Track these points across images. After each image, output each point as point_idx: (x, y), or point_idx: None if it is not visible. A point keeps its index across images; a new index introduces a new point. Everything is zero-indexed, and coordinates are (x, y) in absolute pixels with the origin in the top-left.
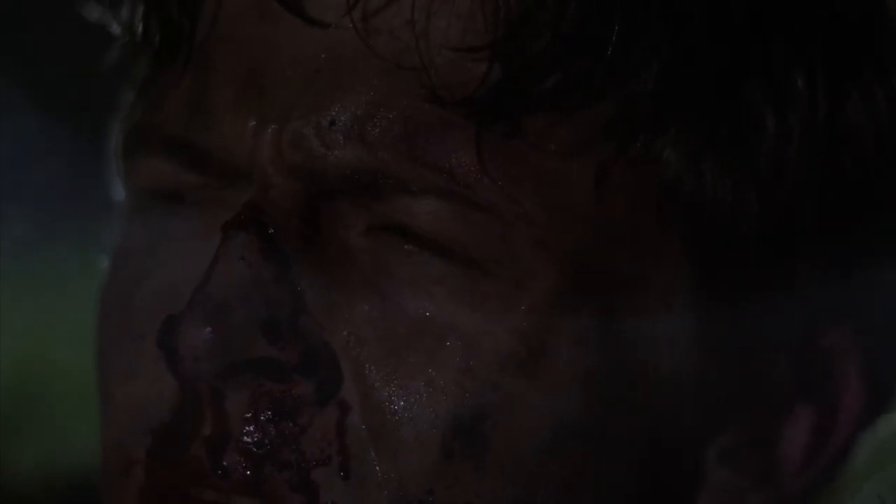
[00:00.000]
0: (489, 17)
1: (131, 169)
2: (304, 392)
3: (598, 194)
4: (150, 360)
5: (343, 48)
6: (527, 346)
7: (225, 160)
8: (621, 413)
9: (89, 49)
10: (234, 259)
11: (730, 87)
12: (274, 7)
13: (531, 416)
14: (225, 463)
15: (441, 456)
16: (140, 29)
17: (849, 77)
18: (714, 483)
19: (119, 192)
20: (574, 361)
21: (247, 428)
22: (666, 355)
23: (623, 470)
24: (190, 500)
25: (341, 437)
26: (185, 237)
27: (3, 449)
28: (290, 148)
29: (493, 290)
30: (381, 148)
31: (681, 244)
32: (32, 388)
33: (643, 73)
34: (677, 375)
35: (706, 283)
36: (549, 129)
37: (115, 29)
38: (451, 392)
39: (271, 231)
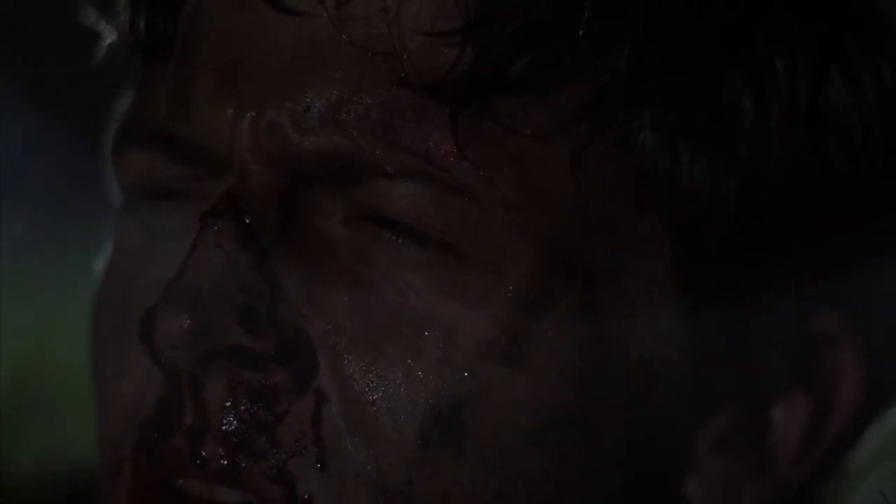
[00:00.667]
0: (460, 0)
1: (120, 166)
2: (280, 381)
3: (574, 179)
4: (137, 356)
5: (317, 36)
6: (506, 334)
7: (203, 149)
8: (606, 402)
9: (88, 48)
10: (210, 247)
11: (706, 70)
12: None
13: (511, 404)
14: (204, 453)
15: (420, 446)
16: (128, 28)
17: (832, 62)
18: (708, 473)
19: (115, 192)
20: (555, 349)
21: (225, 417)
22: (651, 344)
23: (610, 459)
24: (175, 492)
25: (316, 429)
26: (175, 234)
27: (3, 446)
28: (266, 135)
29: (472, 277)
30: (357, 132)
31: (661, 231)
32: (32, 386)
33: (615, 55)
34: (664, 363)
35: (690, 270)
36: (524, 112)
37: (109, 32)
38: (430, 382)
39: (248, 220)
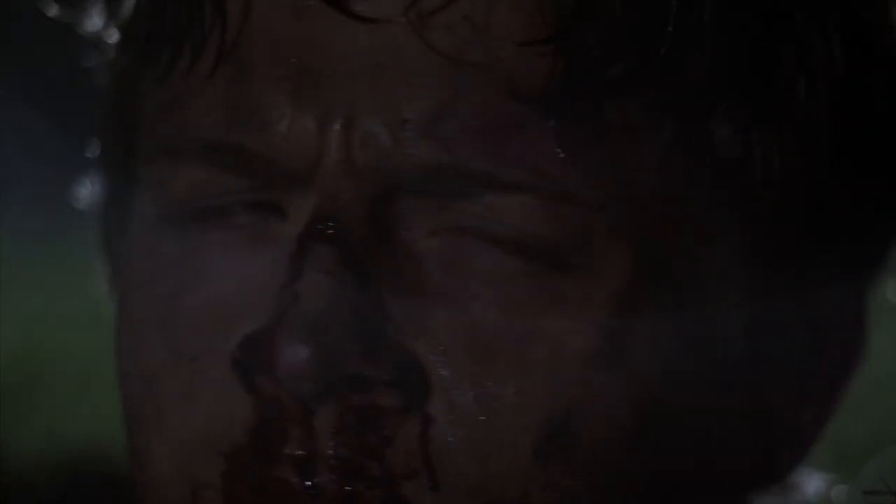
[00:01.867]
0: (549, 9)
1: (152, 179)
2: (389, 403)
3: (661, 180)
4: (209, 382)
5: (400, 42)
6: (608, 340)
7: (280, 161)
8: (695, 394)
9: (84, 46)
10: (320, 273)
11: (768, 56)
12: (308, 4)
13: (615, 407)
14: (315, 480)
15: (533, 458)
16: (142, 34)
17: (858, 36)
18: (754, 445)
19: (103, 187)
20: (651, 349)
21: (334, 443)
22: (723, 331)
23: (702, 451)
24: None
25: (425, 449)
26: (226, 249)
27: (4, 431)
28: (360, 147)
29: (574, 284)
30: (460, 146)
31: (736, 225)
32: (33, 373)
33: (698, 51)
34: (732, 349)
35: (758, 255)
36: (616, 115)
37: (84, 27)
38: (541, 395)
39: (349, 241)
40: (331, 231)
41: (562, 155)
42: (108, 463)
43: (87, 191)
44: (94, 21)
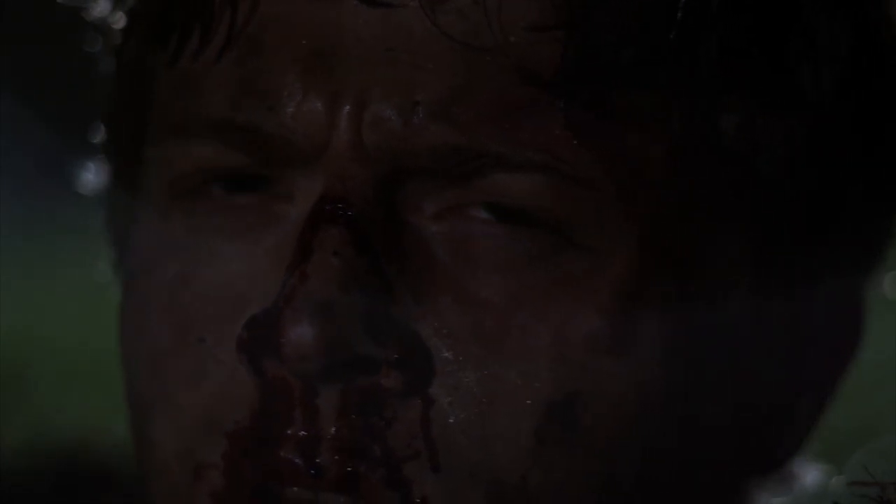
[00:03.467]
0: None
1: (158, 159)
2: (392, 384)
3: (671, 166)
4: (216, 363)
5: (410, 26)
6: (613, 325)
7: (290, 141)
8: (699, 381)
9: (78, 30)
10: (328, 254)
11: (777, 47)
12: None
13: (618, 392)
14: (318, 461)
15: (535, 442)
16: (152, 15)
17: (861, 23)
18: (754, 432)
19: (97, 177)
20: (655, 335)
21: (337, 424)
22: (731, 317)
23: (703, 434)
24: (276, 498)
25: (427, 431)
26: (233, 231)
27: None
28: (371, 130)
29: (580, 269)
30: (472, 128)
31: (742, 213)
32: (21, 365)
33: (708, 39)
34: (738, 337)
35: (766, 248)
36: (627, 102)
37: (91, 13)
38: (544, 380)
39: (359, 223)
40: (340, 212)
41: (575, 140)
42: (96, 456)
43: (83, 179)
44: (102, 6)
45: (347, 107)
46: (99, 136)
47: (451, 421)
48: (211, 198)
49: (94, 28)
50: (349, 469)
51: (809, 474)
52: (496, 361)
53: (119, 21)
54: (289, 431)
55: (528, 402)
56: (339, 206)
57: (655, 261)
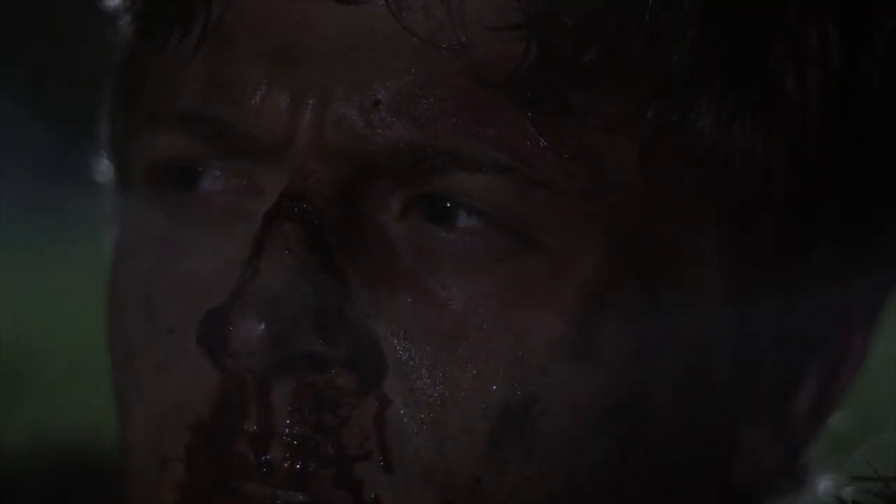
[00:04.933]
0: None
1: (137, 149)
2: (346, 383)
3: (641, 169)
4: (183, 355)
5: (375, 25)
6: (575, 329)
7: (253, 135)
8: (662, 385)
9: (79, 24)
10: (281, 250)
11: (755, 49)
12: None
13: (580, 396)
14: (268, 458)
15: (489, 445)
16: (152, 11)
17: (856, 29)
18: (738, 442)
19: (105, 171)
20: (619, 339)
21: (289, 421)
22: (700, 323)
23: (664, 440)
24: (234, 493)
25: (380, 431)
26: (205, 223)
27: None
28: (332, 129)
29: (544, 271)
30: (434, 126)
31: (716, 213)
32: (21, 363)
33: (678, 41)
34: (712, 344)
35: (741, 253)
36: (593, 104)
37: (110, 5)
38: (501, 383)
39: (316, 221)
40: (297, 209)
41: (540, 142)
42: (97, 454)
43: (86, 178)
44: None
45: (310, 104)
46: (100, 132)
47: (405, 421)
48: (184, 190)
49: (102, 19)
50: (299, 466)
51: (812, 471)
52: (453, 363)
53: (119, 15)
54: (244, 426)
55: (484, 404)
56: (298, 202)
57: (621, 264)
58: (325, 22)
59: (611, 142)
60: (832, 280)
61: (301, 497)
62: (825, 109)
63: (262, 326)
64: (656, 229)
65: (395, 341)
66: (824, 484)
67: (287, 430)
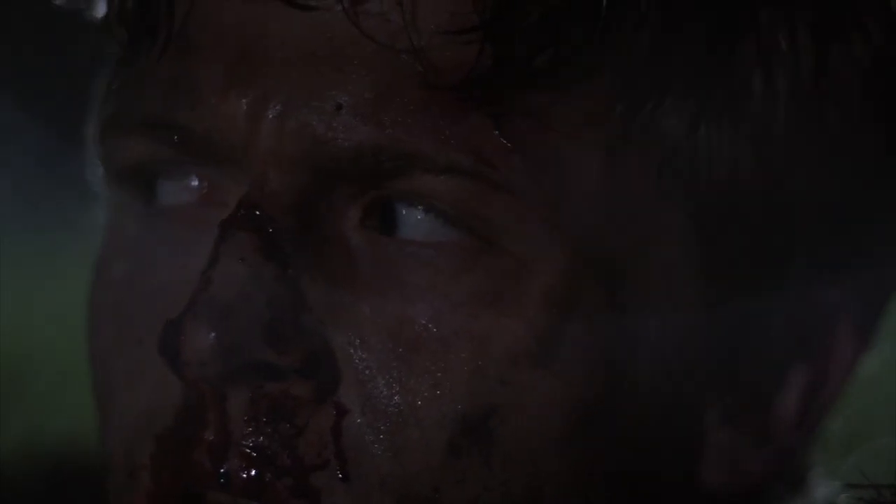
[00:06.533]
0: None
1: (109, 154)
2: (302, 392)
3: (605, 174)
4: (151, 365)
5: (333, 31)
6: (538, 338)
7: (210, 140)
8: (627, 393)
9: (67, 29)
10: (234, 260)
11: (720, 51)
12: None
13: (540, 407)
14: (225, 468)
15: (447, 454)
16: (115, 16)
17: (829, 32)
18: (716, 447)
19: (97, 176)
20: (582, 348)
21: (246, 431)
22: (670, 332)
23: (630, 448)
24: (197, 501)
25: (337, 440)
26: (171, 232)
27: None
28: (292, 138)
29: (508, 277)
30: (397, 128)
31: (681, 217)
32: (14, 367)
33: (636, 44)
34: (680, 350)
35: (709, 256)
36: (555, 108)
37: (89, 15)
38: (459, 393)
39: (270, 230)
40: (252, 218)
41: (504, 145)
42: (92, 458)
43: (83, 178)
44: (100, 7)
45: (270, 113)
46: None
47: (362, 431)
48: (152, 198)
49: (91, 27)
50: (255, 476)
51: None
52: (410, 373)
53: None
54: (204, 435)
55: (441, 414)
56: (254, 211)
57: (585, 270)
58: (283, 29)
59: (575, 146)
60: (811, 285)
61: None
62: (795, 112)
63: (213, 335)
64: (621, 235)
65: (352, 350)
66: (818, 491)
67: (244, 440)
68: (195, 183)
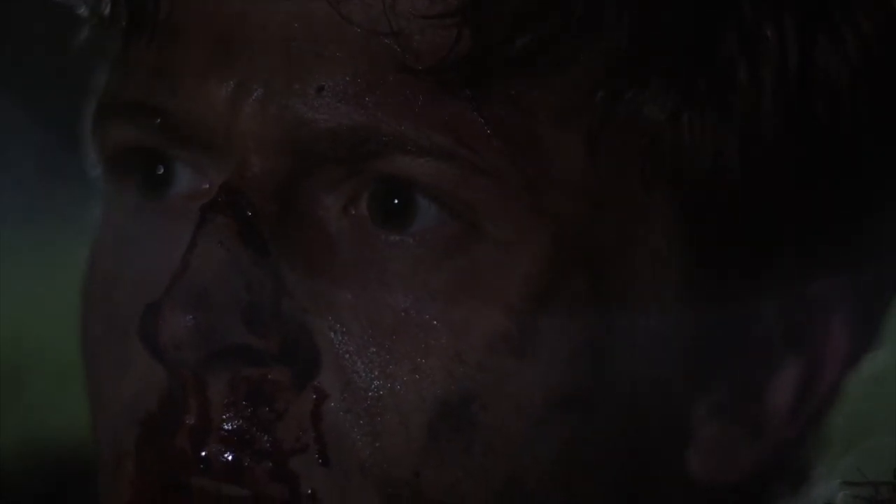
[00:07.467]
0: None
1: (101, 139)
2: (281, 377)
3: (588, 161)
4: (137, 354)
5: (314, 14)
6: (518, 324)
7: (192, 124)
8: (610, 380)
9: (66, 26)
10: (213, 243)
11: (703, 39)
12: None
13: (520, 393)
14: (206, 453)
15: (427, 439)
16: (107, 8)
17: (818, 24)
18: (705, 439)
19: (96, 174)
20: (563, 335)
21: (226, 415)
22: (653, 318)
23: (614, 436)
24: (181, 487)
25: (317, 425)
26: (160, 222)
27: None
28: (273, 122)
29: (490, 262)
30: (379, 110)
31: (667, 206)
32: (14, 366)
33: (616, 30)
34: (665, 339)
35: (694, 243)
36: (537, 94)
37: (83, 10)
38: (439, 378)
39: (249, 214)
40: (231, 202)
41: (486, 129)
42: (90, 459)
43: (83, 175)
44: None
45: (250, 97)
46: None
47: (342, 415)
48: (139, 185)
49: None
50: (234, 460)
51: (805, 475)
52: (390, 358)
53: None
54: (185, 420)
55: (421, 399)
56: (234, 196)
57: (567, 258)
58: (264, 14)
59: (557, 132)
60: (801, 277)
61: (245, 492)
62: (781, 104)
63: (189, 318)
64: (604, 223)
65: (332, 335)
66: (816, 489)
67: (224, 424)
68: (180, 170)
